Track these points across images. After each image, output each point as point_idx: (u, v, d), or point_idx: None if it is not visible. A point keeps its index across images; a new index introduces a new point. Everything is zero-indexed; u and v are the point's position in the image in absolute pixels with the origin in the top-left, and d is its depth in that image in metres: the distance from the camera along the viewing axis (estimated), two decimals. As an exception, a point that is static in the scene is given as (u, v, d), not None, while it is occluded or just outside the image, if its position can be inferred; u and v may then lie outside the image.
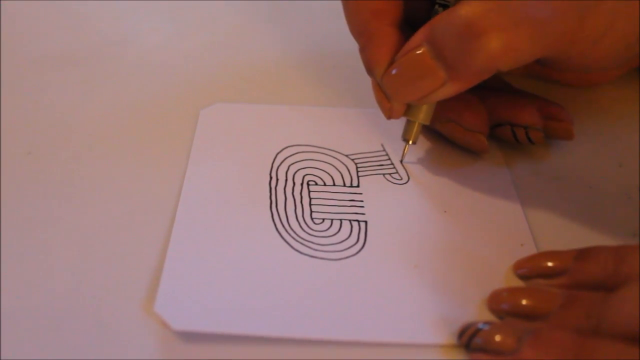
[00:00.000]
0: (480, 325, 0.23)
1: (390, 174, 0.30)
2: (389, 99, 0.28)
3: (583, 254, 0.25)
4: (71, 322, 0.24)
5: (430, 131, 0.33)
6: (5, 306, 0.24)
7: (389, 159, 0.31)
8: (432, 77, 0.26)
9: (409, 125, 0.29)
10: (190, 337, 0.23)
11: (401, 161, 0.31)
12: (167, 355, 0.23)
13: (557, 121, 0.31)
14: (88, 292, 0.25)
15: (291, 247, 0.26)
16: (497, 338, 0.22)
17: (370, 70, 0.29)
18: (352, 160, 0.31)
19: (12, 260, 0.26)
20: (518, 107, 0.30)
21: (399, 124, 0.30)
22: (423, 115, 0.29)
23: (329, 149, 0.32)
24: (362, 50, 0.29)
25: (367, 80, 0.30)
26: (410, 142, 0.30)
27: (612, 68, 0.31)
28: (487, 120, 0.30)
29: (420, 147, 0.32)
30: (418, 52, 0.26)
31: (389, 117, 0.29)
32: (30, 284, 0.25)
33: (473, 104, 0.30)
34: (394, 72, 0.27)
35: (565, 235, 0.27)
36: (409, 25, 0.29)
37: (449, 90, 0.26)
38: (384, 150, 0.32)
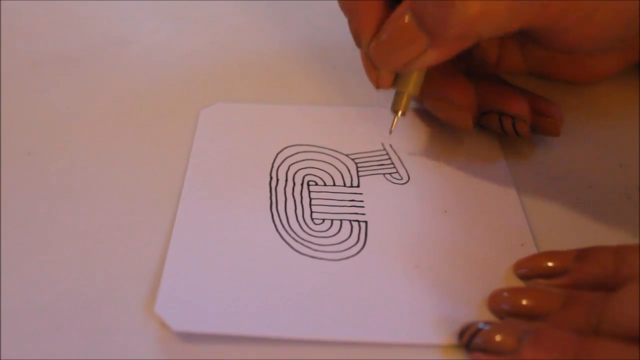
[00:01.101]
0: (480, 325, 0.23)
1: (390, 173, 0.30)
2: (376, 67, 0.29)
3: (583, 254, 0.25)
4: (71, 322, 0.24)
5: (429, 131, 0.33)
6: (5, 306, 0.24)
7: (389, 158, 0.31)
8: (415, 43, 0.26)
9: (397, 96, 0.30)
10: (191, 337, 0.23)
11: (390, 132, 0.30)
12: (167, 355, 0.23)
13: (544, 117, 0.31)
14: (88, 293, 0.25)
15: (291, 247, 0.26)
16: (498, 338, 0.22)
17: (357, 40, 0.29)
18: (353, 160, 0.31)
19: (12, 260, 0.26)
20: (508, 96, 0.31)
21: (399, 125, 0.30)
22: (412, 86, 0.29)
23: (329, 149, 0.32)
24: (350, 22, 0.29)
25: (367, 80, 0.30)
26: (400, 113, 0.30)
27: (609, 48, 0.31)
28: (474, 100, 0.30)
29: (420, 148, 0.32)
30: (402, 19, 0.27)
31: (377, 86, 0.29)
32: (30, 284, 0.25)
33: (461, 81, 0.31)
34: (379, 39, 0.28)
35: (565, 235, 0.27)
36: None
37: (432, 56, 0.27)
38: (384, 149, 0.32)
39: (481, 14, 0.24)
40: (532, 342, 0.22)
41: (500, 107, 0.30)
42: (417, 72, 0.29)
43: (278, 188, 0.29)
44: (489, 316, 0.24)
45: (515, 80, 0.33)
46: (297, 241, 0.27)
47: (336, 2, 0.29)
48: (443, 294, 0.25)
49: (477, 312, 0.24)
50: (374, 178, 0.30)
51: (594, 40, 0.28)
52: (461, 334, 0.23)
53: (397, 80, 0.29)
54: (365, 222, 0.28)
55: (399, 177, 0.30)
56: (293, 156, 0.31)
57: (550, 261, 0.25)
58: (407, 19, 0.26)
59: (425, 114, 0.33)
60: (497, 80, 0.32)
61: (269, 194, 0.29)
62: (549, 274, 0.25)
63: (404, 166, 0.31)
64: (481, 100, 0.31)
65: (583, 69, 0.35)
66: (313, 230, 0.27)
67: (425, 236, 0.27)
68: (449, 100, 0.30)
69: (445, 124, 0.32)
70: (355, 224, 0.28)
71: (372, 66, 0.29)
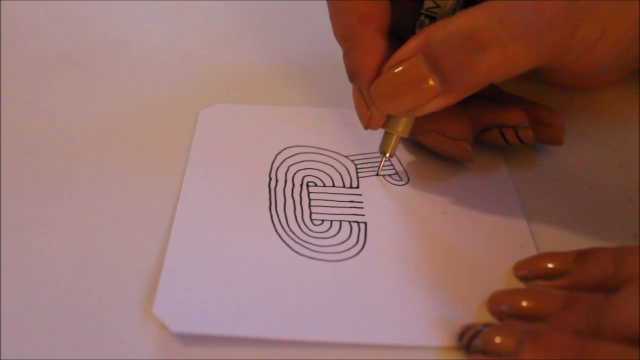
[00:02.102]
0: (480, 327, 0.23)
1: (390, 175, 0.30)
2: (371, 108, 0.27)
3: (583, 255, 0.25)
4: (70, 323, 0.24)
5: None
6: (5, 306, 0.24)
7: (389, 160, 0.31)
8: (425, 90, 0.25)
9: (386, 137, 0.29)
10: (189, 339, 0.23)
11: (377, 174, 0.30)
12: (165, 356, 0.23)
13: (545, 126, 0.30)
14: (87, 293, 0.25)
15: (291, 248, 0.26)
16: (497, 340, 0.22)
17: (353, 76, 0.27)
18: (352, 161, 0.31)
19: (12, 260, 0.26)
20: (503, 109, 0.30)
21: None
22: (402, 127, 0.28)
23: (329, 150, 0.32)
24: (346, 54, 0.28)
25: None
26: (388, 155, 0.29)
27: (606, 74, 0.31)
28: (470, 128, 0.30)
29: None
30: (411, 62, 0.25)
31: (366, 127, 0.28)
32: (29, 284, 0.25)
33: (454, 112, 0.29)
34: (383, 82, 0.26)
35: (565, 236, 0.27)
36: (394, 33, 0.28)
37: (440, 103, 0.25)
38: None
39: (504, 61, 0.24)
40: (532, 344, 0.22)
41: (499, 121, 0.30)
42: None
43: (277, 189, 0.29)
44: (488, 318, 0.24)
45: (515, 85, 0.33)
46: (296, 242, 0.27)
47: None
48: (443, 295, 0.25)
49: (476, 314, 0.24)
50: (373, 179, 0.30)
51: (595, 68, 0.27)
52: (461, 335, 0.23)
53: (387, 120, 0.28)
54: (365, 223, 0.28)
55: (399, 179, 0.30)
56: (292, 157, 0.31)
57: (550, 262, 0.25)
58: (417, 61, 0.25)
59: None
60: (486, 98, 0.31)
61: (268, 195, 0.29)
62: (549, 275, 0.25)
63: (403, 167, 0.31)
64: (477, 120, 0.30)
65: (576, 77, 0.35)
66: (312, 231, 0.27)
67: (425, 237, 0.27)
68: (444, 134, 0.29)
69: (444, 156, 0.31)
70: (354, 225, 0.28)
71: (365, 106, 0.27)
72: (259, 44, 0.40)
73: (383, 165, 0.30)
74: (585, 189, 0.30)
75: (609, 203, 0.29)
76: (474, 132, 0.30)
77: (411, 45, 0.25)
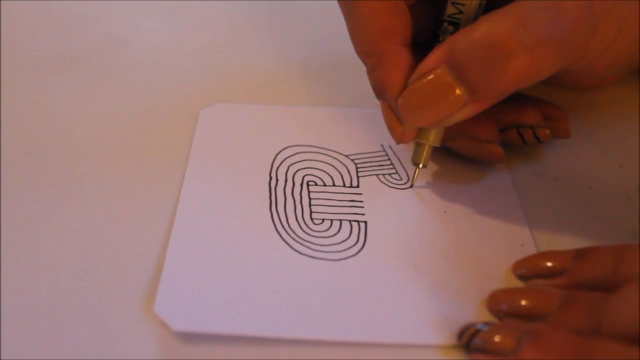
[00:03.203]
0: (479, 326, 0.23)
1: (390, 174, 0.30)
2: (402, 122, 0.27)
3: (582, 254, 0.25)
4: (71, 322, 0.24)
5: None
6: (5, 306, 0.24)
7: (389, 159, 0.31)
8: (452, 100, 0.25)
9: (419, 148, 0.28)
10: (190, 337, 0.23)
11: (411, 186, 0.30)
12: (166, 355, 0.23)
13: (554, 120, 0.31)
14: (87, 293, 0.25)
15: (291, 247, 0.26)
16: (497, 338, 0.22)
17: (381, 93, 0.27)
18: (352, 160, 0.31)
19: (12, 260, 0.26)
20: (520, 109, 0.30)
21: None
22: (433, 136, 0.28)
23: (329, 150, 0.32)
24: (372, 71, 0.27)
25: (367, 81, 0.30)
26: (421, 166, 0.28)
27: (616, 74, 0.31)
28: (497, 129, 0.30)
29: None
30: (437, 73, 0.25)
31: (399, 141, 0.28)
32: (30, 284, 0.25)
33: (482, 116, 0.29)
34: (410, 95, 0.26)
35: (565, 235, 0.27)
36: (414, 44, 0.28)
37: (468, 112, 0.25)
38: (384, 150, 0.32)
39: (531, 67, 0.23)
40: (532, 343, 0.22)
41: (517, 121, 0.30)
42: None
43: (277, 188, 0.29)
44: (488, 317, 0.24)
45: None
46: (296, 241, 0.27)
47: (336, 2, 0.28)
48: (442, 294, 0.25)
49: (476, 313, 0.24)
50: (373, 179, 0.30)
51: (607, 70, 0.27)
52: (460, 334, 0.23)
53: (418, 131, 0.28)
54: (365, 222, 0.28)
55: (399, 178, 0.30)
56: (292, 156, 0.31)
57: (549, 261, 0.25)
58: (442, 72, 0.25)
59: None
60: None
61: (268, 194, 0.29)
62: (548, 274, 0.25)
63: (403, 167, 0.31)
64: (496, 119, 0.30)
65: (585, 79, 0.35)
66: (313, 230, 0.27)
67: (425, 236, 0.27)
68: (475, 138, 0.29)
69: (474, 161, 0.30)
70: (354, 224, 0.28)
71: (396, 120, 0.27)
72: (260, 44, 0.40)
73: (387, 172, 0.30)
74: (585, 188, 0.30)
75: (609, 203, 0.29)
76: (499, 138, 0.30)
77: (435, 55, 0.25)
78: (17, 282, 0.25)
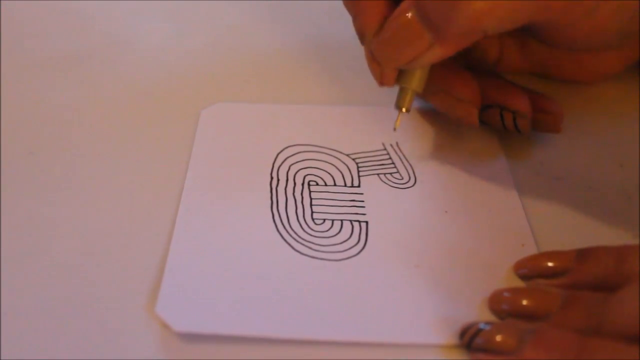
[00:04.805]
0: (481, 326, 0.23)
1: (391, 173, 0.30)
2: (379, 64, 0.29)
3: (584, 254, 0.25)
4: (72, 322, 0.24)
5: (429, 131, 0.32)
6: (5, 306, 0.24)
7: (390, 158, 0.31)
8: (419, 40, 0.27)
9: (401, 92, 0.29)
10: (192, 338, 0.23)
11: (394, 129, 0.31)
12: (168, 356, 0.23)
13: (545, 113, 0.31)
14: (89, 293, 0.25)
15: (292, 247, 0.26)
16: (498, 338, 0.22)
17: (361, 37, 0.29)
18: (353, 159, 0.31)
19: (12, 260, 0.26)
20: (510, 91, 0.31)
21: (401, 124, 0.30)
22: (416, 82, 0.29)
23: (330, 149, 0.32)
24: (355, 19, 0.29)
25: (368, 79, 0.30)
26: (404, 110, 0.30)
27: (611, 45, 0.31)
28: (479, 94, 0.30)
29: (420, 148, 0.32)
30: (404, 15, 0.27)
31: (380, 83, 0.29)
32: (30, 284, 0.25)
33: (465, 75, 0.30)
34: (382, 36, 0.28)
35: (566, 235, 0.27)
36: None
37: (436, 53, 0.27)
38: (385, 149, 0.32)
39: (486, 10, 0.24)
40: (533, 342, 0.22)
41: (502, 102, 0.30)
42: (420, 69, 0.29)
43: (279, 188, 0.29)
44: (489, 316, 0.24)
45: (516, 80, 0.33)
46: (297, 241, 0.27)
47: (336, 1, 0.29)
48: (444, 294, 0.25)
49: (477, 312, 0.24)
50: (374, 178, 0.30)
51: (596, 36, 0.27)
52: (462, 334, 0.23)
53: (400, 76, 0.29)
54: (366, 222, 0.28)
55: (400, 177, 0.30)
56: (294, 156, 0.31)
57: (550, 261, 0.25)
58: (410, 15, 0.26)
59: (425, 114, 0.33)
60: (498, 76, 0.32)
61: (269, 194, 0.29)
62: (550, 274, 0.25)
63: (404, 166, 0.31)
64: (483, 94, 0.31)
65: (583, 68, 0.34)
66: (314, 230, 0.27)
67: (426, 236, 0.27)
68: (454, 95, 0.30)
69: (451, 120, 0.32)
70: (356, 224, 0.28)
71: (375, 63, 0.29)
72: (260, 42, 0.40)
73: (388, 171, 0.30)
74: (585, 188, 0.30)
75: (609, 202, 0.29)
76: (480, 101, 0.30)
77: (406, 1, 0.27)
78: (18, 282, 0.25)
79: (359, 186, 0.30)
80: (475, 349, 0.23)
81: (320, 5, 0.43)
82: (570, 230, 0.28)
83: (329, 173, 0.30)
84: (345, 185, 0.30)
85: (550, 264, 0.25)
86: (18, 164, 0.30)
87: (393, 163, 0.31)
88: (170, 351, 0.23)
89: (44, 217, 0.28)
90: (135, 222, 0.28)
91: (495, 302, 0.24)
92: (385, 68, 0.29)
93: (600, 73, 0.35)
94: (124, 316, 0.24)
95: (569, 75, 0.35)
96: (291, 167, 0.30)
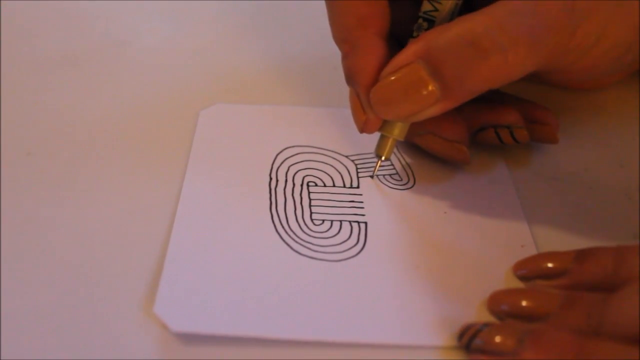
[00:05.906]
0: (480, 327, 0.23)
1: (390, 174, 0.30)
2: (368, 112, 0.27)
3: (583, 255, 0.25)
4: (71, 322, 0.24)
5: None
6: (5, 306, 0.24)
7: (389, 159, 0.31)
8: (425, 95, 0.25)
9: (382, 140, 0.29)
10: (190, 338, 0.23)
11: (371, 176, 0.30)
12: (166, 356, 0.23)
13: (541, 124, 0.30)
14: (87, 293, 0.25)
15: (291, 248, 0.26)
16: (497, 339, 0.22)
17: (351, 80, 0.27)
18: (352, 161, 0.31)
19: (12, 261, 0.26)
20: (497, 109, 0.30)
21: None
22: (398, 131, 0.28)
23: (329, 150, 0.32)
24: (345, 57, 0.27)
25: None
26: (383, 158, 0.29)
27: (605, 76, 0.31)
28: (465, 129, 0.30)
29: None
30: (412, 68, 0.25)
31: (362, 130, 0.28)
32: (30, 284, 0.25)
33: (449, 113, 0.28)
34: (383, 87, 0.26)
35: (565, 236, 0.27)
36: (391, 35, 0.28)
37: (439, 108, 0.25)
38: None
39: (504, 67, 0.24)
40: (532, 343, 0.22)
41: (494, 121, 0.30)
42: None
43: (278, 189, 0.29)
44: (488, 317, 0.24)
45: (515, 85, 0.32)
46: (296, 242, 0.27)
47: None
48: (443, 295, 0.25)
49: (476, 313, 0.24)
50: (373, 179, 0.30)
51: (591, 71, 0.27)
52: (461, 335, 0.23)
53: (383, 124, 0.28)
54: (365, 223, 0.28)
55: (399, 178, 0.30)
56: (293, 157, 0.31)
57: (549, 262, 0.25)
58: (419, 67, 0.25)
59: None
60: (480, 99, 0.31)
61: (268, 195, 0.29)
62: (549, 275, 0.25)
63: (403, 168, 0.31)
64: (472, 120, 0.30)
65: (583, 82, 0.34)
66: (313, 231, 0.27)
67: (425, 237, 0.27)
68: (442, 136, 0.29)
69: (440, 158, 0.30)
70: (355, 225, 0.28)
71: (361, 109, 0.27)
72: (259, 44, 0.40)
73: (380, 166, 0.30)
74: (585, 189, 0.30)
75: (609, 203, 0.29)
76: (469, 133, 0.30)
77: (411, 50, 0.25)
78: (17, 282, 0.25)
79: (358, 187, 0.30)
80: (474, 350, 0.22)
81: (321, 6, 0.43)
82: (569, 230, 0.28)
83: (328, 174, 0.30)
84: (345, 186, 0.30)
85: (549, 265, 0.25)
86: (16, 165, 0.30)
87: (392, 164, 0.31)
88: (168, 351, 0.23)
89: (42, 218, 0.28)
90: (133, 222, 0.28)
91: (495, 303, 0.24)
92: (371, 116, 0.27)
93: (600, 83, 0.35)
94: (122, 316, 0.24)
95: (569, 84, 0.35)
96: (290, 168, 0.30)
